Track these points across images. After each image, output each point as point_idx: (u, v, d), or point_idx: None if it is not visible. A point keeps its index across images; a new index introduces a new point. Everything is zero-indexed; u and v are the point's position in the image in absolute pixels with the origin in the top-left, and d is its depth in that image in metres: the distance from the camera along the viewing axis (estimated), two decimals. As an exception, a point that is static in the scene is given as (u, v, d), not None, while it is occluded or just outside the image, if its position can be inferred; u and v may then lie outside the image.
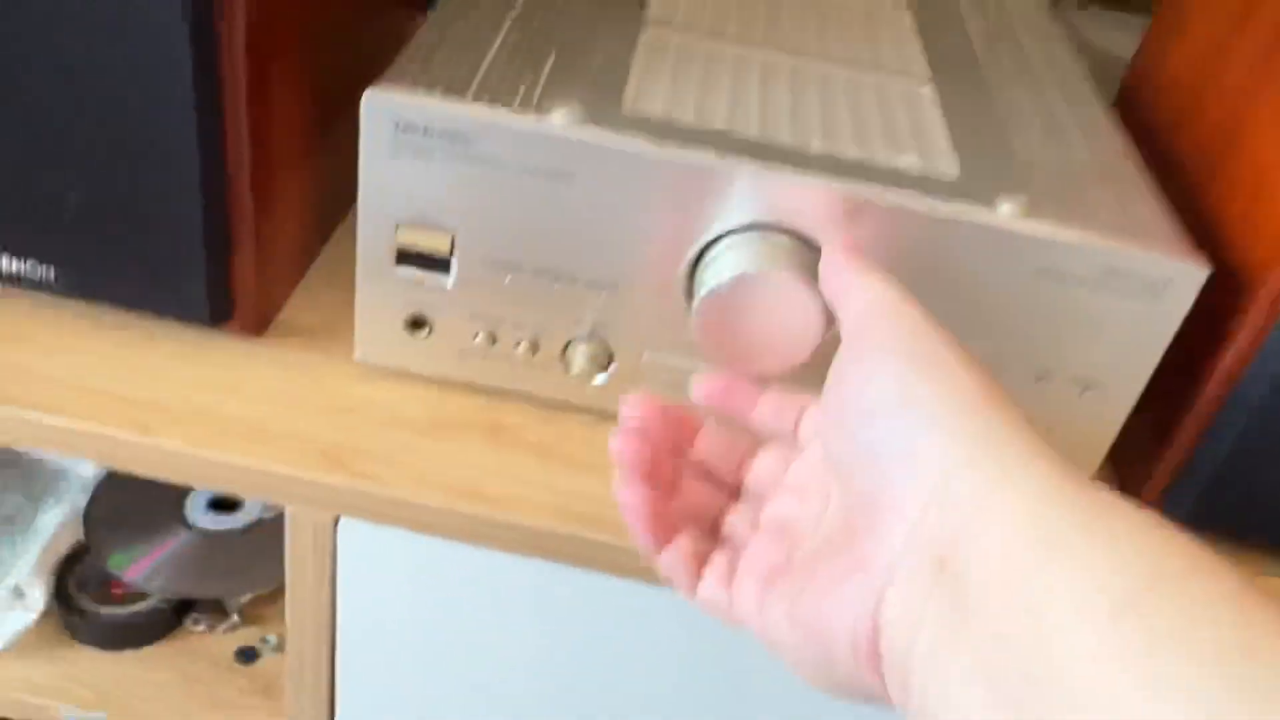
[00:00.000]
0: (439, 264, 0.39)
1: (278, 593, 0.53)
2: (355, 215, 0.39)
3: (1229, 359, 0.40)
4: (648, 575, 0.39)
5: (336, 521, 0.40)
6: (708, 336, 0.37)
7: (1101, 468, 0.47)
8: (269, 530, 0.56)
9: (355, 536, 0.41)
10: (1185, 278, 0.37)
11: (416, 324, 0.41)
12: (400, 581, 0.42)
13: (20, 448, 0.40)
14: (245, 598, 0.56)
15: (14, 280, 0.41)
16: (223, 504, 0.57)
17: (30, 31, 0.36)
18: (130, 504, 0.56)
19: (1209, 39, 0.49)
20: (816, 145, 0.39)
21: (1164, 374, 0.44)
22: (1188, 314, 0.40)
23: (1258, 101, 0.42)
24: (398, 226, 0.39)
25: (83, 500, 0.55)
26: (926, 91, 0.45)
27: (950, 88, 0.45)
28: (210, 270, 0.40)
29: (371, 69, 0.37)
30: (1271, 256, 0.39)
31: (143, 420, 0.39)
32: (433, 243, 0.39)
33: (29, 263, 0.40)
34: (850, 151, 0.39)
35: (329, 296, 0.46)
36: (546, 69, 0.39)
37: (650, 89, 0.40)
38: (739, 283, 0.36)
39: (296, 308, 0.45)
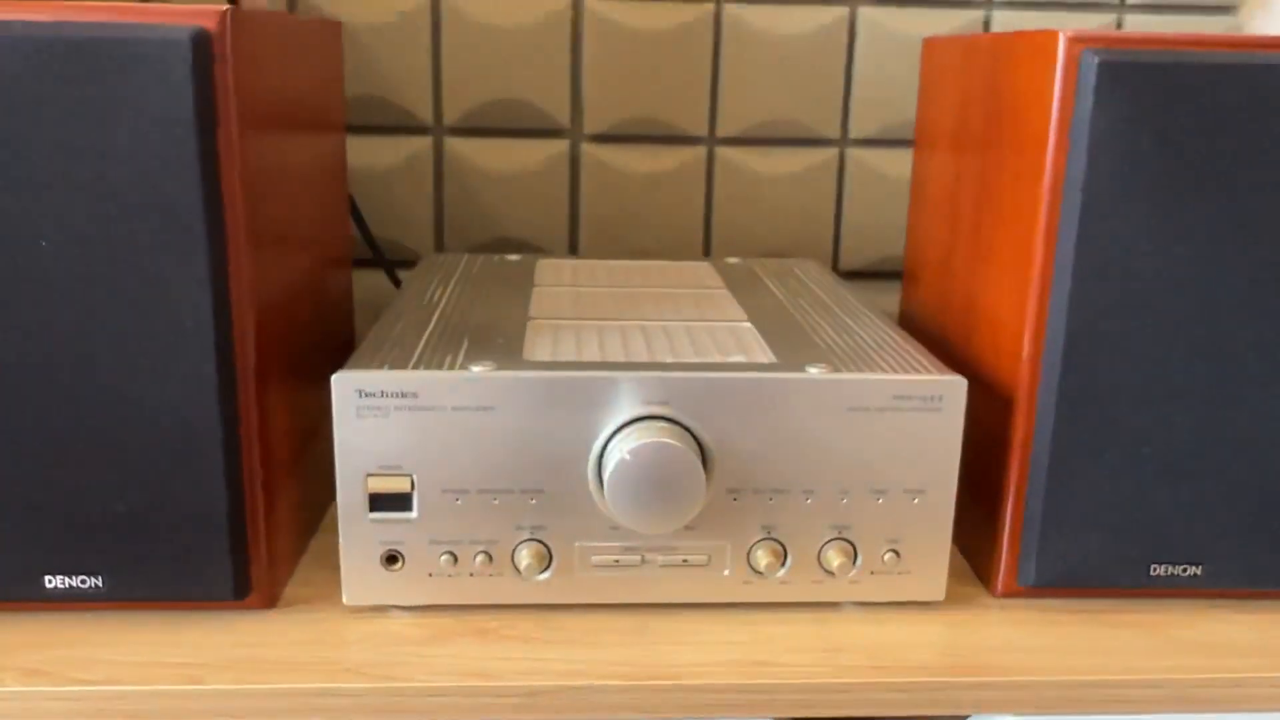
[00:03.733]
0: (403, 502, 0.50)
1: None
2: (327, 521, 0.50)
3: (1015, 448, 0.53)
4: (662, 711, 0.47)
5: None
6: (619, 505, 0.48)
7: (963, 567, 0.58)
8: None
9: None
10: (952, 389, 0.51)
11: (391, 559, 0.51)
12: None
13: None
14: None
15: (65, 597, 0.50)
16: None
17: (75, 365, 0.47)
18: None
19: (940, 254, 0.66)
20: (670, 359, 0.52)
21: (980, 483, 0.56)
22: (979, 431, 0.53)
23: (982, 279, 0.59)
24: (367, 477, 0.50)
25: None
26: (746, 326, 0.60)
27: (764, 323, 0.60)
28: (233, 558, 0.50)
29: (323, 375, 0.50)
30: (1014, 369, 0.53)
31: (193, 675, 0.47)
32: (396, 485, 0.50)
33: (79, 579, 0.50)
34: (694, 359, 0.53)
35: (320, 576, 0.56)
36: (463, 349, 0.53)
37: (540, 348, 0.54)
38: (638, 453, 0.48)
39: (295, 586, 0.55)
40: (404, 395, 0.49)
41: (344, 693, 0.47)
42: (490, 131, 0.83)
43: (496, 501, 0.50)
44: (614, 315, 0.61)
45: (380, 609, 0.53)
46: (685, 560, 0.52)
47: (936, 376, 0.51)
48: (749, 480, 0.51)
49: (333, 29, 0.67)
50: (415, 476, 0.50)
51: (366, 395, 0.49)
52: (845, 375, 0.50)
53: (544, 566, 0.51)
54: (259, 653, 0.49)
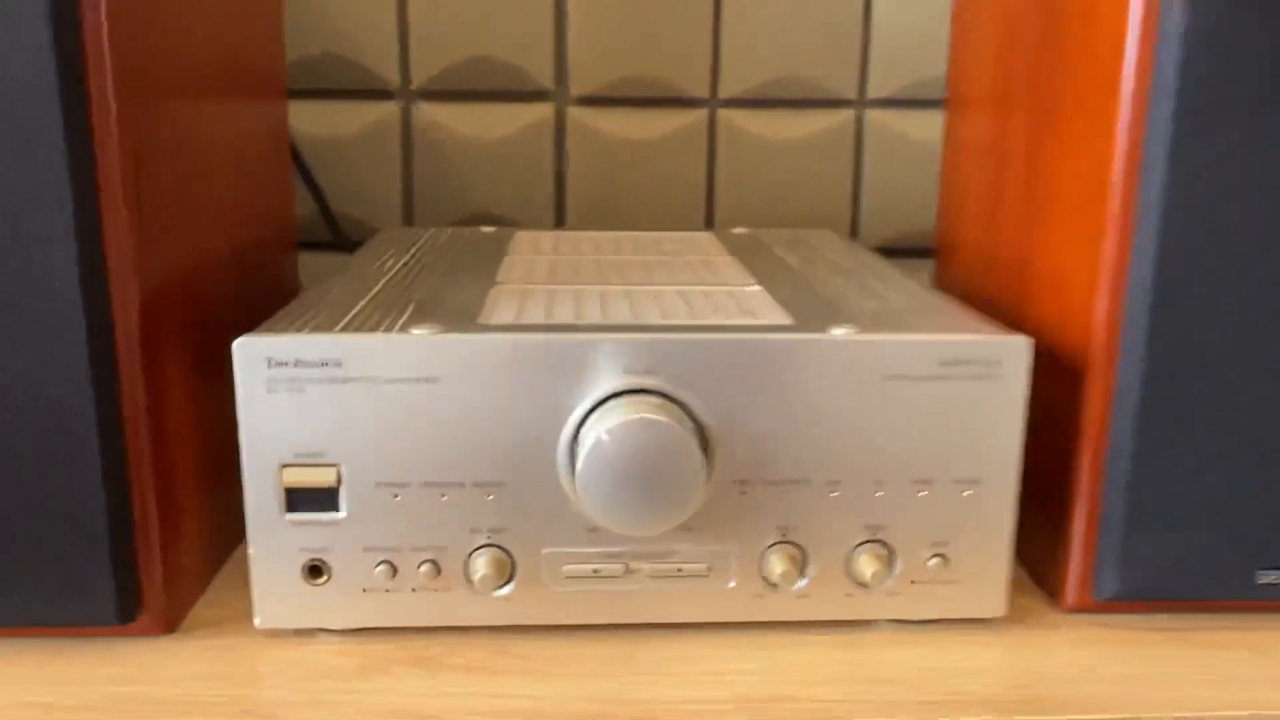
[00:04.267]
0: (328, 499, 0.40)
1: None
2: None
3: (1089, 431, 0.43)
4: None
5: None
6: (596, 500, 0.39)
7: (1022, 576, 0.48)
8: None
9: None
10: (1013, 351, 0.41)
11: (315, 571, 0.41)
12: None
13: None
14: None
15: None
16: None
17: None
18: None
19: (983, 213, 0.57)
20: (658, 321, 0.43)
21: (1044, 474, 0.47)
22: (1042, 412, 0.43)
23: (1039, 230, 0.49)
24: (282, 468, 0.40)
25: None
26: (756, 289, 0.50)
27: (775, 286, 0.50)
28: (117, 572, 0.41)
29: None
30: (1085, 334, 0.43)
31: (65, 718, 0.38)
32: (319, 477, 0.40)
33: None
34: (689, 321, 0.43)
35: (237, 593, 0.47)
36: (408, 311, 0.43)
37: (501, 311, 0.44)
38: (619, 433, 0.38)
39: (204, 606, 0.46)
40: (325, 364, 0.39)
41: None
42: (465, 95, 0.75)
43: (445, 498, 0.41)
44: (595, 281, 0.51)
45: (302, 633, 0.43)
46: (680, 570, 0.42)
47: (993, 336, 0.41)
48: (760, 469, 0.41)
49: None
50: (343, 467, 0.40)
51: (278, 365, 0.39)
52: (879, 335, 0.40)
53: (504, 579, 0.42)
54: (147, 690, 0.39)
